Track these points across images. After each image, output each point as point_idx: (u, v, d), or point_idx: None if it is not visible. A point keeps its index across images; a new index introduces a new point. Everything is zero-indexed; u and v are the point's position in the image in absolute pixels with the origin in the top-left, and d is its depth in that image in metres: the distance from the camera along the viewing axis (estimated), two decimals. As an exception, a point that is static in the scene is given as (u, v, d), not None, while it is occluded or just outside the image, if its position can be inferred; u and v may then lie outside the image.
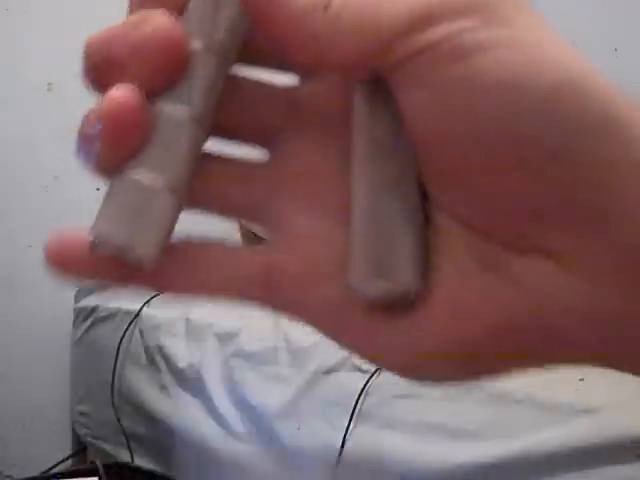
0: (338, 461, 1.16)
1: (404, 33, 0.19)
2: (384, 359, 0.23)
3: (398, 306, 0.21)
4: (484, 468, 1.01)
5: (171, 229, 0.22)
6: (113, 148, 0.21)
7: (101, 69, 0.21)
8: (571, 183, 0.19)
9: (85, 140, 0.22)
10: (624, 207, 0.19)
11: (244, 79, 0.24)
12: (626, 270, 0.20)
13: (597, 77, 0.20)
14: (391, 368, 0.23)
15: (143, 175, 0.21)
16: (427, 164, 0.21)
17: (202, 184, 0.24)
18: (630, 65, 1.74)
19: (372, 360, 0.23)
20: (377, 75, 0.20)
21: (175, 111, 0.21)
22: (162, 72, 0.21)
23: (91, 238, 0.22)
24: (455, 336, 0.21)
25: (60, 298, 1.90)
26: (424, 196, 0.21)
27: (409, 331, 0.22)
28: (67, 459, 1.89)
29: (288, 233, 0.23)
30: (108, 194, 0.22)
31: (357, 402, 1.17)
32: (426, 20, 0.19)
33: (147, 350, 1.63)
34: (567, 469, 0.94)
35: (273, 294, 0.23)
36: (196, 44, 0.21)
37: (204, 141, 0.22)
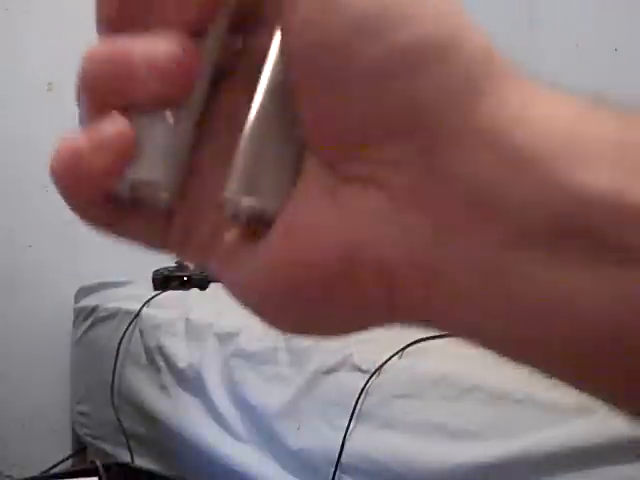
0: (338, 461, 1.16)
1: None
2: (235, 287, 0.24)
3: (260, 228, 0.23)
4: (484, 468, 1.01)
5: (185, 166, 0.24)
6: (164, 91, 0.23)
7: (139, 13, 0.23)
8: (394, 110, 0.20)
9: (125, 73, 0.22)
10: (450, 139, 0.20)
11: None
12: (449, 208, 0.20)
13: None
14: (239, 297, 0.24)
15: (167, 113, 0.23)
16: (294, 93, 0.22)
17: None
18: (630, 65, 1.74)
19: (229, 288, 0.25)
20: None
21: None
22: (205, 23, 0.23)
23: (123, 185, 0.23)
24: (288, 259, 0.22)
25: (60, 298, 1.91)
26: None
27: (255, 258, 0.23)
28: (67, 459, 1.89)
29: (196, 167, 0.25)
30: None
31: (357, 402, 1.17)
32: None
33: (147, 350, 1.63)
34: (567, 469, 0.94)
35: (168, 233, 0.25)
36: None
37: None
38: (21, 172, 1.87)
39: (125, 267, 1.94)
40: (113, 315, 1.76)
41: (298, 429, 1.26)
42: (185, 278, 1.79)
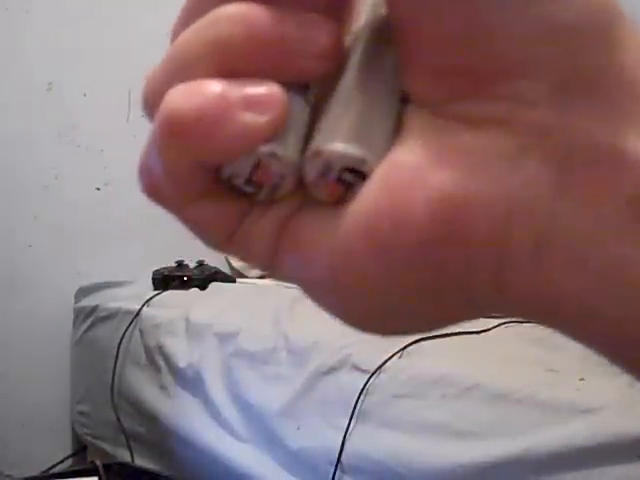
0: (338, 461, 1.16)
1: None
2: (315, 272, 0.21)
3: (350, 190, 0.20)
4: (484, 468, 1.00)
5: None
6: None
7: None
8: (535, 35, 0.18)
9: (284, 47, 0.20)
10: (590, 80, 0.18)
11: None
12: (577, 157, 0.18)
13: None
14: (320, 286, 0.21)
15: (308, 94, 0.22)
16: (406, 50, 0.20)
17: None
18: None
19: (307, 279, 0.21)
20: None
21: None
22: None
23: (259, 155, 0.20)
24: (385, 214, 0.19)
25: (60, 298, 1.91)
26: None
27: (342, 224, 0.20)
28: (67, 459, 1.89)
29: None
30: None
31: (357, 402, 1.17)
32: None
33: (147, 350, 1.63)
34: (567, 469, 0.93)
35: None
36: None
37: None
38: (21, 172, 1.87)
39: (125, 267, 1.94)
40: (113, 315, 1.76)
41: (298, 429, 1.26)
42: (185, 278, 1.79)
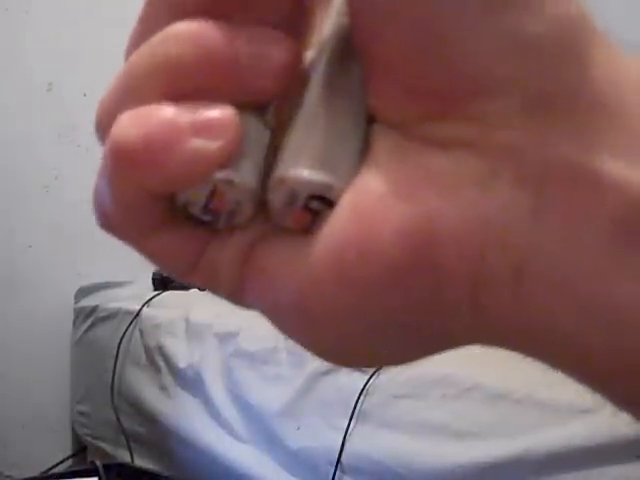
0: (338, 461, 1.16)
1: None
2: (284, 299, 0.20)
3: (317, 217, 0.19)
4: (484, 468, 1.01)
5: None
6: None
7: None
8: (501, 53, 0.17)
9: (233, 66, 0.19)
10: (563, 97, 0.17)
11: None
12: (553, 178, 0.17)
13: None
14: (289, 314, 0.20)
15: (264, 114, 0.21)
16: (371, 69, 0.19)
17: None
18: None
19: (274, 307, 0.20)
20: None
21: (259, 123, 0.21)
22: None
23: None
24: (356, 241, 0.18)
25: (60, 298, 1.91)
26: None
27: (310, 253, 0.19)
28: (67, 459, 1.89)
29: None
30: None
31: (357, 402, 1.17)
32: None
33: (147, 350, 1.63)
34: (567, 469, 0.94)
35: None
36: None
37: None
38: (21, 172, 1.87)
39: (125, 267, 1.94)
40: (113, 315, 1.76)
41: (298, 429, 1.26)
42: (185, 278, 1.79)
